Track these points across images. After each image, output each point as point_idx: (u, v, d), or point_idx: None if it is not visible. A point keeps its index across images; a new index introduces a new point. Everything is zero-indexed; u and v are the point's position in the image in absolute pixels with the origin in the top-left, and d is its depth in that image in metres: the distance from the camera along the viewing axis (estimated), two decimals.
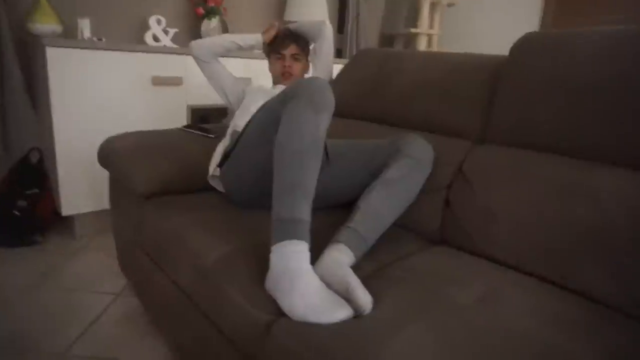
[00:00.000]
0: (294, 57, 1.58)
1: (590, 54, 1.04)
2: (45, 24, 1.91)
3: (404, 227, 1.21)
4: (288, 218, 0.87)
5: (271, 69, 1.63)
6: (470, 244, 1.08)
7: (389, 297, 0.83)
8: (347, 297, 0.78)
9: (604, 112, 0.98)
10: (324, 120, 0.95)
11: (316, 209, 1.15)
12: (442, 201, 1.17)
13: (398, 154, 1.09)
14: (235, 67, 2.20)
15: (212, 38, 1.62)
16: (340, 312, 0.75)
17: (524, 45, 1.18)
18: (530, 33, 1.20)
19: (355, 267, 0.95)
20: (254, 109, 1.39)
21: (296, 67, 1.58)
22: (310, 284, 0.80)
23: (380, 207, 1.01)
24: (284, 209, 0.87)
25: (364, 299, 0.76)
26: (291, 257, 0.83)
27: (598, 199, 0.92)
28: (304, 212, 0.88)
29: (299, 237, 0.85)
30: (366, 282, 0.90)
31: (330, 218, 1.10)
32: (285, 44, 1.57)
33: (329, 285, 0.82)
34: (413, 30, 3.14)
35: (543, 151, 1.08)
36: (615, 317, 0.83)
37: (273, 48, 1.60)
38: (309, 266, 0.84)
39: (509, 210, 1.04)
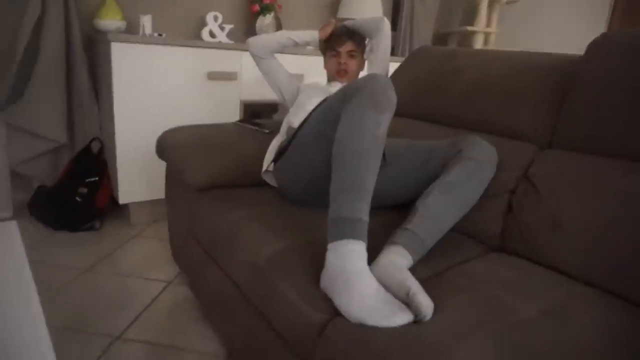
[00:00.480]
0: (350, 54, 1.55)
1: None
2: (110, 20, 1.99)
3: (461, 232, 1.16)
4: (347, 217, 0.85)
5: (326, 66, 1.61)
6: (533, 252, 1.02)
7: (448, 304, 0.80)
8: (407, 302, 0.75)
9: None
10: (386, 119, 0.92)
11: (370, 209, 1.13)
12: (505, 206, 1.12)
13: (459, 155, 1.05)
14: (288, 63, 2.20)
15: (269, 35, 1.63)
16: (400, 317, 0.73)
17: (602, 45, 1.10)
18: (610, 32, 1.12)
19: (411, 270, 0.92)
20: (309, 106, 1.38)
21: (352, 64, 1.55)
22: (368, 285, 0.78)
23: (440, 211, 0.97)
24: (343, 207, 0.86)
25: (426, 304, 0.74)
26: (349, 256, 0.82)
27: None
28: (363, 212, 0.86)
29: (357, 237, 0.84)
30: (424, 287, 0.87)
31: (383, 218, 1.07)
32: (342, 40, 1.55)
33: (386, 288, 0.80)
34: (470, 28, 3.04)
35: (617, 158, 1.00)
36: None
37: (329, 45, 1.58)
38: (367, 267, 0.82)
39: (578, 219, 0.97)
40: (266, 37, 1.62)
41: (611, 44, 1.08)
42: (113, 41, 1.82)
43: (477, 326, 0.73)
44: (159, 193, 1.97)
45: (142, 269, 1.68)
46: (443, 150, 1.11)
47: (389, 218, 1.07)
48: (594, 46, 1.11)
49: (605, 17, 2.84)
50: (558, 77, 1.19)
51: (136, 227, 2.07)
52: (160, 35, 2.09)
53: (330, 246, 0.85)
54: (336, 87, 1.51)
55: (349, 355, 0.73)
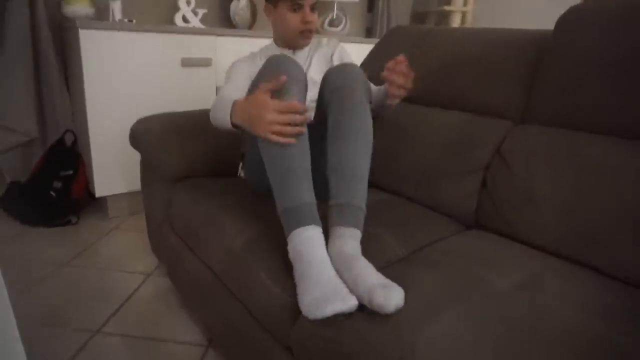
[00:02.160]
0: (313, 8, 1.26)
1: None
2: (78, 6, 1.92)
3: (438, 210, 1.17)
4: (288, 207, 0.85)
5: (280, 25, 1.29)
6: (508, 228, 1.03)
7: (424, 282, 0.80)
8: (366, 302, 0.71)
9: None
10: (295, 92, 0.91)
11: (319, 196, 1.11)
12: (479, 183, 1.12)
13: (330, 93, 0.98)
14: (194, 45, 2.10)
15: (216, 113, 1.11)
16: (336, 305, 0.70)
17: (571, 19, 1.10)
18: (578, 5, 1.12)
19: (388, 249, 0.93)
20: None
21: (315, 19, 1.28)
22: (319, 274, 0.76)
23: (345, 162, 0.91)
24: (282, 198, 0.86)
25: (385, 302, 0.69)
26: (301, 247, 0.81)
27: None
28: (304, 195, 0.86)
29: (304, 223, 0.83)
30: (399, 265, 0.88)
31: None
32: None
33: (344, 281, 0.77)
34: (447, 7, 3.03)
35: (589, 131, 1.01)
36: None
37: None
38: (321, 252, 0.81)
39: (551, 193, 0.98)
40: (218, 116, 1.09)
41: (579, 18, 1.07)
42: (81, 28, 1.76)
43: (450, 301, 0.74)
44: (136, 184, 1.94)
45: (120, 262, 1.65)
46: (321, 101, 1.04)
47: None
48: (562, 20, 1.11)
49: None
50: (530, 52, 1.19)
51: (114, 220, 2.04)
52: (130, 21, 2.03)
53: (287, 240, 0.85)
54: (301, 57, 1.37)
55: (325, 337, 0.73)
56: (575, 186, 0.95)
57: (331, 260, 0.82)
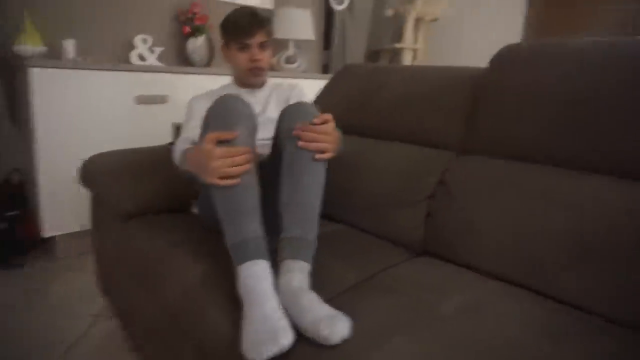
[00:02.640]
0: (262, 46, 1.30)
1: (569, 65, 1.04)
2: (30, 45, 1.91)
3: (388, 239, 1.20)
4: (235, 243, 0.87)
5: (232, 62, 1.34)
6: (453, 254, 1.07)
7: (371, 310, 0.82)
8: (311, 335, 0.73)
9: (584, 121, 0.98)
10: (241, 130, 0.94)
11: (274, 231, 1.12)
12: (425, 212, 1.16)
13: (280, 135, 1.02)
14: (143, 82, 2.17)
15: (175, 155, 1.17)
16: (273, 347, 0.70)
17: (503, 57, 1.19)
18: (509, 45, 1.21)
19: (337, 279, 0.94)
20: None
21: (266, 57, 1.33)
22: (260, 311, 0.76)
23: (297, 197, 0.94)
24: (229, 234, 0.88)
25: (330, 336, 0.71)
26: (247, 282, 0.82)
27: (580, 208, 0.92)
28: (250, 230, 0.87)
29: (250, 257, 0.84)
30: (348, 294, 0.90)
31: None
32: (252, 30, 1.27)
33: (290, 317, 0.77)
34: (398, 45, 3.18)
35: (525, 161, 1.08)
36: (601, 324, 0.82)
37: (233, 36, 1.29)
38: (266, 286, 0.81)
39: (491, 220, 1.03)
40: (176, 162, 1.16)
41: (512, 56, 1.17)
42: (32, 66, 1.74)
43: (397, 327, 0.76)
44: (86, 224, 1.89)
45: (69, 304, 1.58)
46: (275, 141, 1.08)
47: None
48: (496, 58, 1.20)
49: (521, 30, 3.07)
50: (469, 88, 1.27)
51: (63, 260, 1.96)
52: (84, 59, 2.02)
53: (236, 275, 0.86)
54: (259, 96, 1.42)
55: None
56: (513, 213, 1.00)
57: (279, 293, 0.82)
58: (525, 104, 1.09)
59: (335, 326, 0.71)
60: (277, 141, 1.06)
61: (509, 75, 1.14)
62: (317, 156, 0.97)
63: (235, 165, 0.90)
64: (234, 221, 0.89)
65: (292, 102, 1.41)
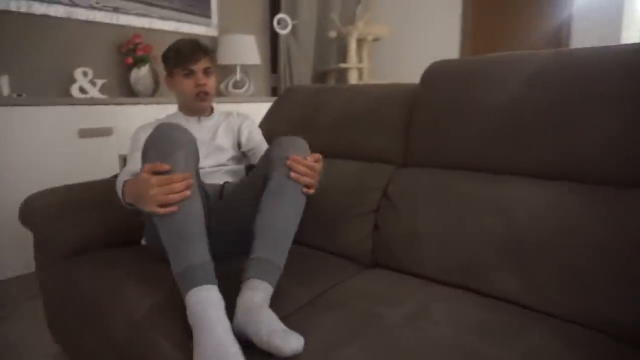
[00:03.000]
0: (206, 72, 1.34)
1: (492, 78, 1.13)
2: None
3: (337, 254, 1.23)
4: (180, 271, 0.87)
5: (177, 89, 1.36)
6: (399, 264, 1.12)
7: (320, 325, 0.84)
8: (268, 349, 0.75)
9: (507, 130, 1.06)
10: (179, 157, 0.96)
11: (233, 253, 1.15)
12: (372, 225, 1.21)
13: (271, 162, 1.04)
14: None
15: (117, 187, 1.18)
16: None
17: (432, 73, 1.27)
18: (437, 62, 1.29)
19: (289, 298, 0.96)
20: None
21: (211, 83, 1.36)
22: (208, 341, 0.76)
23: (275, 222, 0.96)
24: (174, 262, 0.89)
25: (285, 346, 0.73)
26: (195, 309, 0.82)
27: (506, 209, 0.98)
28: (195, 256, 0.88)
29: (197, 284, 0.85)
30: (300, 312, 0.91)
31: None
32: (196, 56, 1.31)
33: (247, 335, 0.79)
34: (343, 65, 3.28)
35: (458, 169, 1.14)
36: (531, 317, 0.87)
37: (177, 63, 1.32)
38: (214, 313, 0.81)
39: (432, 228, 1.08)
40: (118, 195, 1.17)
41: (439, 72, 1.25)
42: None
43: (346, 340, 0.78)
44: (32, 266, 1.80)
45: (16, 354, 1.50)
46: (260, 164, 1.12)
47: None
48: (426, 74, 1.28)
49: (458, 46, 3.25)
50: (405, 103, 1.33)
51: (8, 307, 1.85)
52: (20, 95, 1.96)
53: (185, 303, 0.85)
54: (207, 125, 1.43)
55: None
56: (448, 219, 1.06)
57: (237, 309, 0.83)
58: (454, 116, 1.17)
59: (289, 339, 0.74)
60: (263, 165, 1.08)
61: (438, 90, 1.21)
62: (304, 190, 1.02)
63: (174, 193, 0.91)
64: (178, 248, 0.89)
65: (244, 133, 1.45)
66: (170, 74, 1.36)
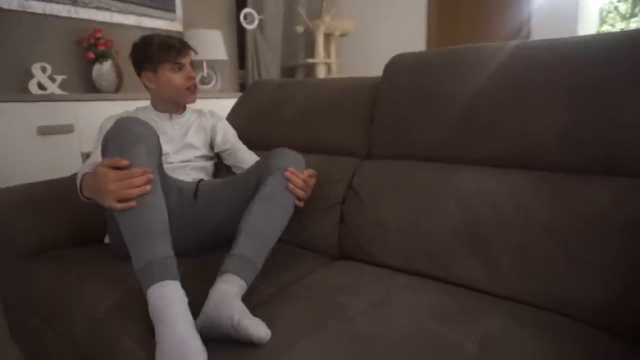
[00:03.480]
0: (191, 66, 1.38)
1: (448, 70, 1.16)
2: None
3: (304, 247, 1.24)
4: (141, 266, 0.86)
5: (166, 88, 1.34)
6: (365, 254, 1.13)
7: (285, 317, 0.85)
8: (235, 332, 0.76)
9: (463, 120, 1.09)
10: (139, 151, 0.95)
11: (203, 251, 1.17)
12: (338, 217, 1.22)
13: (268, 169, 1.08)
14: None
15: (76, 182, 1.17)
16: None
17: (393, 66, 1.29)
18: (399, 54, 1.31)
19: (255, 291, 0.96)
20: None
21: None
22: (169, 338, 0.76)
23: (262, 224, 0.99)
24: (135, 258, 0.87)
25: (253, 326, 0.75)
26: (156, 305, 0.81)
27: (465, 197, 1.01)
28: (155, 251, 0.87)
29: (158, 279, 0.84)
30: (265, 305, 0.91)
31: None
32: (184, 50, 1.34)
33: (216, 322, 0.79)
34: (311, 60, 3.28)
35: (419, 160, 1.17)
36: (491, 301, 0.90)
37: (165, 57, 1.31)
38: (175, 309, 0.80)
39: (396, 218, 1.10)
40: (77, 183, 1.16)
41: (401, 65, 1.27)
42: None
43: (309, 331, 0.79)
44: None
45: None
46: (254, 171, 1.14)
47: None
48: (388, 67, 1.29)
49: (424, 40, 3.30)
50: (367, 96, 1.35)
51: None
52: None
53: (147, 299, 0.84)
54: (179, 122, 1.42)
55: None
56: (411, 208, 1.09)
57: (209, 299, 0.83)
58: (413, 108, 1.19)
59: (258, 326, 0.75)
60: (258, 172, 1.11)
61: (398, 82, 1.23)
62: (296, 202, 1.07)
63: (133, 187, 0.90)
64: (139, 244, 0.87)
65: (218, 134, 1.46)
66: (154, 70, 1.33)
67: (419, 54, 1.26)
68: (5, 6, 2.13)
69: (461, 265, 0.99)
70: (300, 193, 1.07)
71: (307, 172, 1.11)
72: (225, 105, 2.56)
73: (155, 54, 1.31)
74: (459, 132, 1.09)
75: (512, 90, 1.03)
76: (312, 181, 1.13)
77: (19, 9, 2.17)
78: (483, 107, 1.06)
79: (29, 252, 1.24)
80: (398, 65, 1.27)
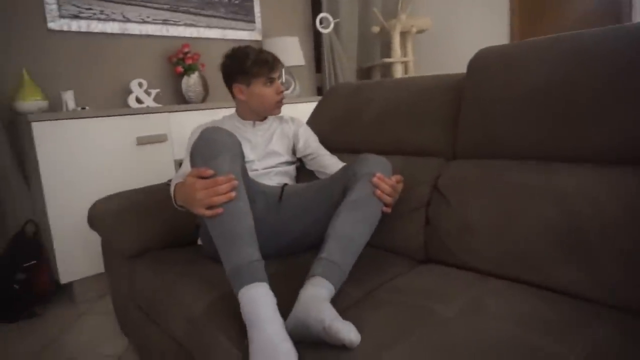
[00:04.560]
0: (279, 78, 1.42)
1: (539, 62, 1.08)
2: (30, 101, 1.99)
3: (390, 250, 1.22)
4: (231, 269, 0.90)
5: (256, 100, 1.40)
6: (453, 258, 1.09)
7: (374, 321, 0.84)
8: (326, 335, 0.76)
9: (558, 114, 1.01)
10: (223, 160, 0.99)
11: (289, 254, 1.19)
12: (423, 219, 1.19)
13: (355, 175, 1.08)
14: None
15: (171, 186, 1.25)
16: None
17: (478, 62, 1.23)
18: (483, 49, 1.25)
19: (342, 295, 0.96)
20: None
21: None
22: (260, 339, 0.78)
23: (350, 230, 0.99)
24: (225, 262, 0.91)
25: (344, 329, 0.75)
26: (247, 308, 0.84)
27: (564, 197, 0.94)
28: (244, 254, 0.90)
29: (247, 282, 0.87)
30: (353, 308, 0.91)
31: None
32: (277, 65, 1.39)
33: (306, 325, 0.80)
34: (387, 60, 3.25)
35: (509, 159, 1.10)
36: (595, 310, 0.83)
37: (260, 72, 1.36)
38: (264, 310, 0.83)
39: (484, 220, 1.05)
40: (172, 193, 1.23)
41: (486, 60, 1.21)
42: (34, 121, 1.82)
43: (400, 336, 0.78)
44: (101, 266, 1.93)
45: (90, 348, 1.61)
46: (340, 177, 1.14)
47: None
48: (472, 62, 1.24)
49: (507, 33, 3.12)
50: (452, 94, 1.30)
51: (82, 305, 2.00)
52: (83, 108, 2.10)
53: (239, 300, 0.87)
54: (263, 129, 1.47)
55: None
56: (502, 210, 1.03)
57: (299, 301, 0.84)
58: (502, 104, 1.13)
59: (349, 329, 0.75)
60: (344, 177, 1.13)
61: (485, 78, 1.17)
62: (384, 209, 1.07)
63: (219, 194, 0.95)
64: (228, 248, 0.92)
65: (300, 140, 1.50)
66: (247, 83, 1.39)
67: (506, 46, 1.19)
68: (109, 31, 2.36)
69: (559, 270, 0.91)
70: (388, 199, 1.07)
71: (394, 178, 1.10)
72: (304, 109, 2.62)
73: (250, 68, 1.37)
74: (554, 127, 1.02)
75: (616, 80, 0.94)
76: (400, 187, 1.13)
77: (120, 32, 2.40)
78: (583, 100, 0.97)
79: (132, 254, 1.36)
80: (483, 60, 1.21)
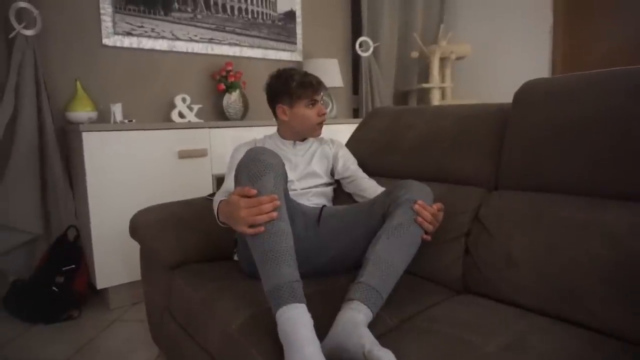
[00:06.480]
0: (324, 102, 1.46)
1: (591, 95, 1.07)
2: (82, 111, 2.10)
3: (427, 278, 1.21)
4: (270, 289, 0.91)
5: (299, 121, 1.44)
6: (493, 290, 1.07)
7: (413, 350, 0.83)
8: (368, 355, 0.76)
9: (610, 149, 0.99)
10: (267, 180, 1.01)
11: (324, 274, 1.19)
12: (462, 249, 1.17)
13: (397, 201, 1.08)
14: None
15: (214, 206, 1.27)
16: None
17: (525, 92, 1.22)
18: (530, 80, 1.24)
19: (379, 321, 0.95)
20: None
21: None
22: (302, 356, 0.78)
23: (389, 256, 0.98)
24: (264, 281, 0.92)
25: (384, 357, 0.75)
26: (284, 328, 0.85)
27: (615, 235, 0.91)
28: (284, 274, 0.91)
29: (285, 302, 0.87)
30: (390, 335, 0.91)
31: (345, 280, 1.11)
32: (320, 88, 1.44)
33: (344, 349, 0.80)
34: (425, 85, 3.25)
35: (556, 192, 1.08)
36: None
37: (303, 94, 1.41)
38: (302, 332, 0.83)
39: (529, 254, 1.03)
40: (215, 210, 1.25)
41: (533, 91, 1.20)
42: (84, 131, 1.90)
43: None
44: (137, 275, 1.97)
45: (122, 354, 1.64)
46: (381, 201, 1.14)
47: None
48: (519, 94, 1.23)
49: (548, 62, 3.08)
50: (495, 124, 1.30)
51: (116, 311, 2.04)
52: (130, 121, 2.19)
53: (276, 320, 0.88)
54: (302, 149, 1.50)
55: None
56: (549, 245, 1.00)
57: (336, 325, 0.85)
58: (550, 136, 1.11)
59: (389, 357, 0.75)
60: (384, 202, 1.13)
61: (532, 109, 1.16)
62: (424, 236, 1.07)
63: (261, 214, 0.97)
64: (267, 267, 0.93)
65: (340, 161, 1.52)
66: (290, 104, 1.43)
67: (555, 79, 1.18)
68: (158, 47, 2.46)
69: (607, 311, 0.88)
70: (429, 227, 1.06)
71: (435, 206, 1.09)
72: (340, 129, 2.65)
73: (294, 90, 1.41)
74: (606, 162, 0.99)
75: None
76: (441, 215, 1.12)
77: (168, 49, 2.50)
78: (633, 136, 0.95)
79: (171, 265, 1.39)
80: (531, 91, 1.20)
